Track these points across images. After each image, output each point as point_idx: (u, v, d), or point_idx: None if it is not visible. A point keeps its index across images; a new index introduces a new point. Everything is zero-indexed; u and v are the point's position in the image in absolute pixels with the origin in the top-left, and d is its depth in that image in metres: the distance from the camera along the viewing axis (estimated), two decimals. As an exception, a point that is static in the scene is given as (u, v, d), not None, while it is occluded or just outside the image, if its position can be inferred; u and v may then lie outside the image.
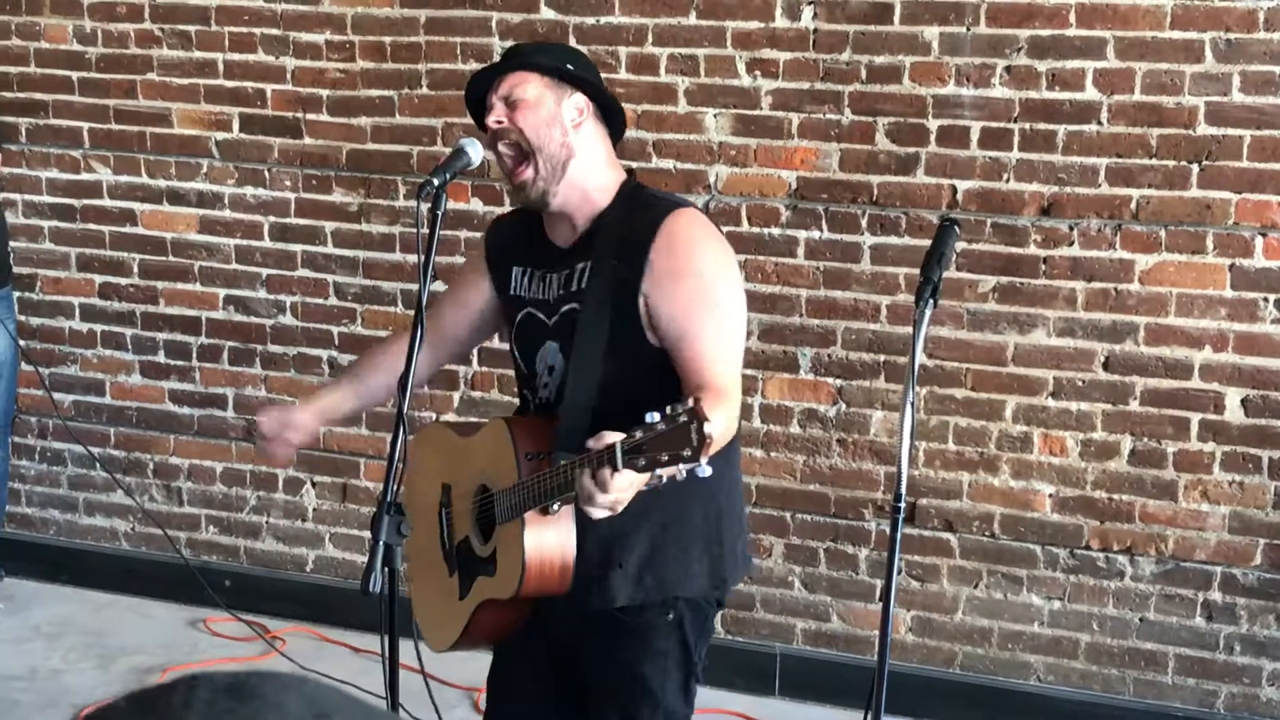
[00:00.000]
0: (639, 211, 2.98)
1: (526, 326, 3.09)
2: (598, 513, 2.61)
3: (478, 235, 5.13)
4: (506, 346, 3.22)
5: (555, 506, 2.80)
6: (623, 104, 4.86)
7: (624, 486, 2.53)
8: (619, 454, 2.48)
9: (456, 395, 5.31)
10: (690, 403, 2.42)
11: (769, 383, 4.96)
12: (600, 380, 2.88)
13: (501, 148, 2.99)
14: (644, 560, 3.00)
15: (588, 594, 2.97)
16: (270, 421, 3.24)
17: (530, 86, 2.98)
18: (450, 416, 5.25)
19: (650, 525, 2.98)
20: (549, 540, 2.89)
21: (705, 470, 2.45)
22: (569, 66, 3.05)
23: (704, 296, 2.90)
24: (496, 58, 4.98)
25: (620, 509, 2.61)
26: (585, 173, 3.00)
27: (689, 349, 2.84)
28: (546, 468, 2.78)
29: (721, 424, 2.66)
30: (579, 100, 3.02)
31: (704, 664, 3.14)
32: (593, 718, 3.12)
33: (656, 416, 2.44)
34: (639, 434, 2.45)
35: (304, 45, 5.31)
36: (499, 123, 2.97)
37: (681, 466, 2.43)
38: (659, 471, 2.46)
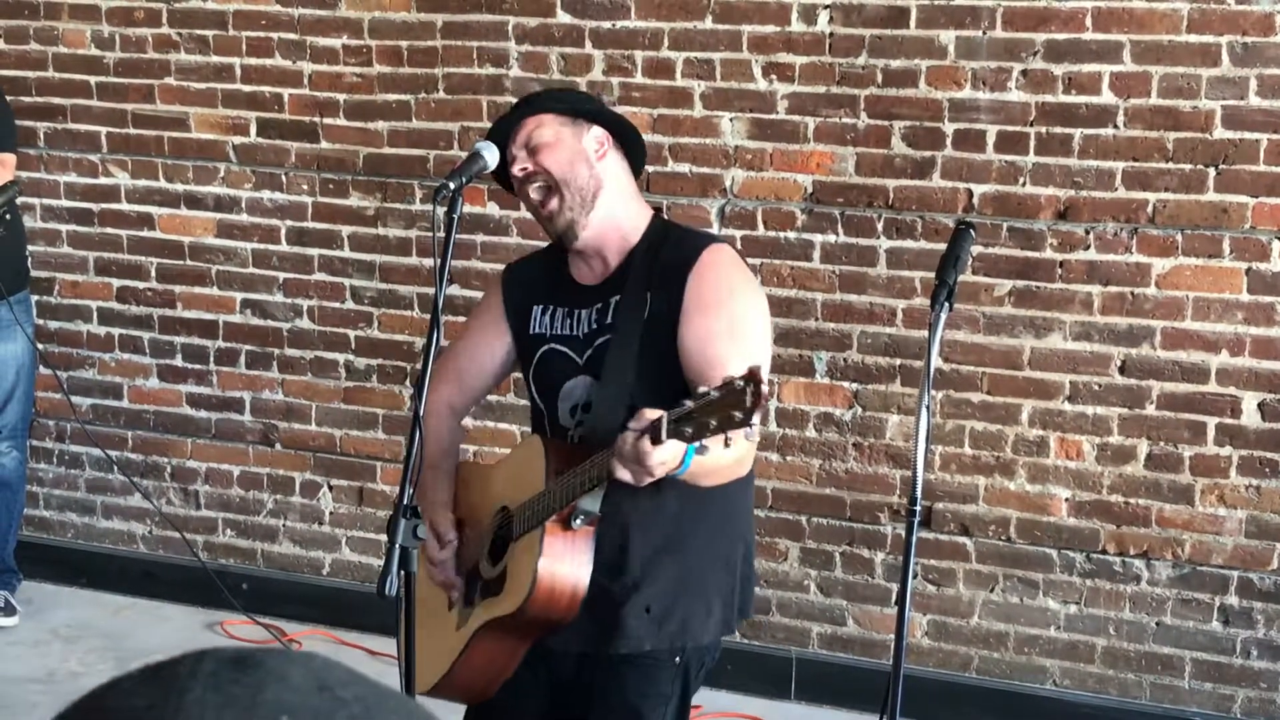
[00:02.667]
0: (673, 244, 3.00)
1: (548, 363, 3.07)
2: (626, 475, 2.58)
3: (494, 239, 5.16)
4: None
5: (577, 521, 2.78)
6: (639, 108, 4.92)
7: (663, 459, 2.53)
8: (664, 426, 2.48)
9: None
10: (746, 369, 2.41)
11: (785, 386, 4.96)
12: (627, 403, 2.84)
13: (532, 193, 3.00)
14: (667, 607, 2.97)
15: (606, 636, 2.95)
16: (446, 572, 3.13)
17: (546, 129, 2.99)
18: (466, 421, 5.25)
19: (671, 567, 2.97)
20: (564, 558, 2.84)
21: (755, 435, 2.46)
22: (585, 106, 3.09)
23: (733, 330, 2.91)
24: (513, 63, 5.03)
25: (648, 480, 2.59)
26: (614, 205, 3.01)
27: (713, 381, 2.83)
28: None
29: (742, 448, 2.67)
30: (598, 133, 3.03)
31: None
32: None
33: (706, 388, 2.44)
34: (689, 403, 2.45)
35: (321, 50, 5.32)
36: (524, 170, 2.98)
37: (730, 432, 2.42)
38: (704, 441, 2.46)
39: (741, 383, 2.39)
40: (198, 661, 0.74)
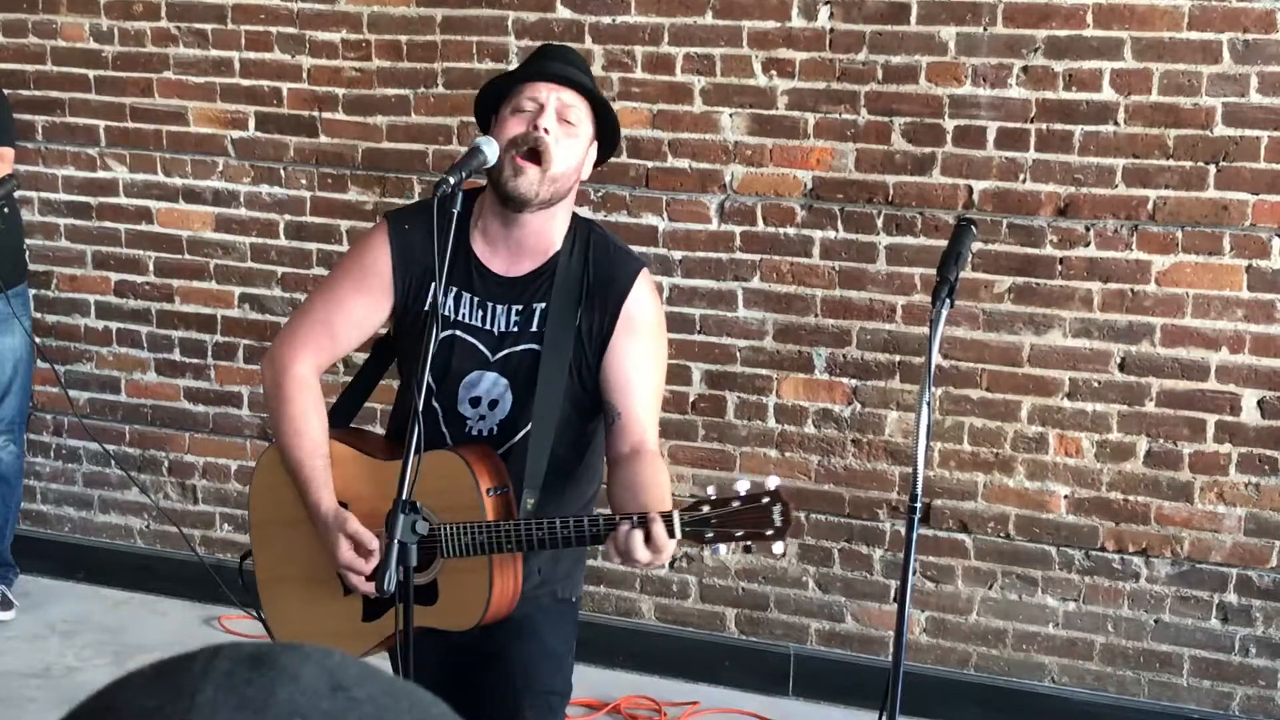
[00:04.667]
0: (605, 261, 3.03)
1: (450, 349, 3.03)
2: (645, 557, 2.68)
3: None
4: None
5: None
6: (638, 103, 4.91)
7: (669, 551, 2.67)
8: (677, 523, 2.59)
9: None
10: (772, 485, 2.49)
11: (784, 383, 4.96)
12: (558, 423, 2.96)
13: (540, 131, 2.92)
14: (552, 568, 3.14)
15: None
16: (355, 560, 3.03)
17: (584, 123, 3.00)
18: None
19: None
20: (508, 575, 2.95)
21: (780, 549, 2.62)
22: (611, 108, 3.11)
23: (656, 365, 3.07)
24: (513, 58, 5.02)
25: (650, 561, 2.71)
26: (564, 211, 3.04)
27: (635, 405, 2.97)
28: (509, 503, 2.90)
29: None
30: (593, 153, 3.07)
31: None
32: (495, 686, 3.12)
33: (732, 495, 2.53)
34: (705, 509, 2.52)
35: (320, 44, 5.31)
36: (546, 130, 2.93)
37: (756, 545, 2.53)
38: (720, 547, 2.55)
39: (768, 500, 2.45)
40: (211, 659, 0.73)
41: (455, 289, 3.03)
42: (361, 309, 3.10)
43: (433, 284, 2.93)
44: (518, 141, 2.92)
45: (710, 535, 2.55)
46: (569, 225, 3.07)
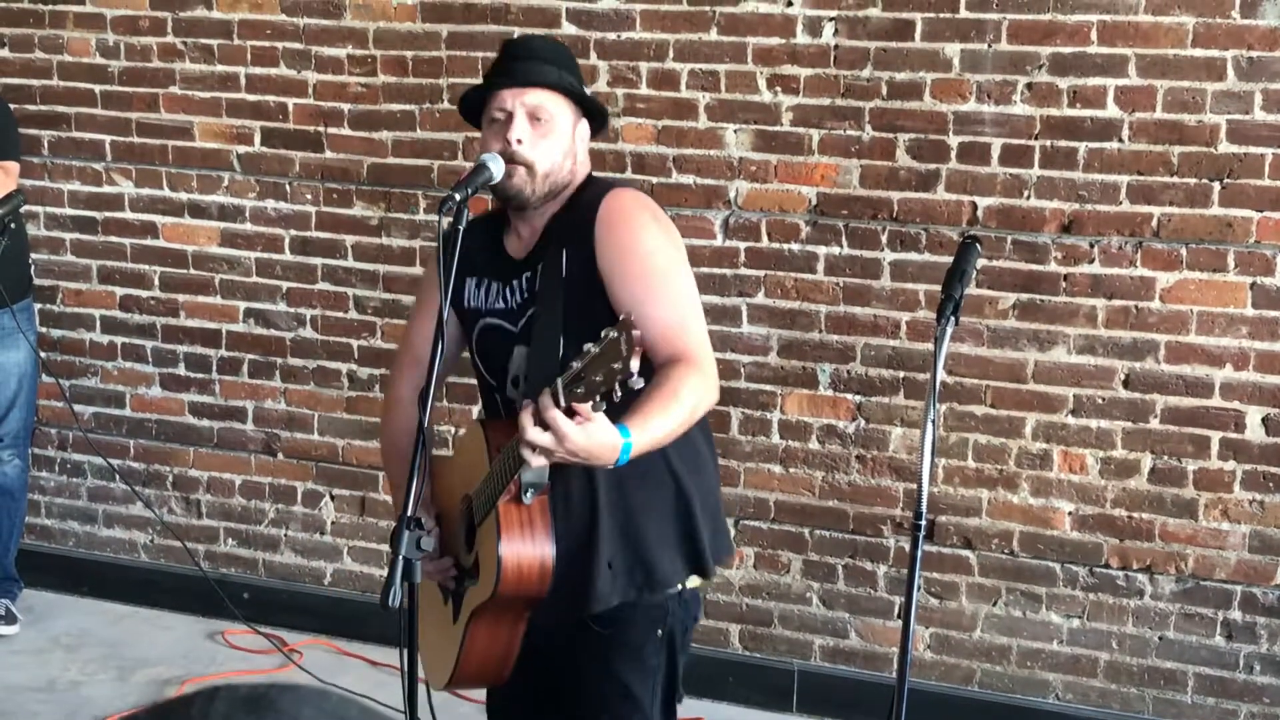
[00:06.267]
0: (577, 199, 3.01)
1: (488, 337, 3.09)
2: (536, 460, 2.58)
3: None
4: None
5: (528, 495, 2.79)
6: (643, 119, 4.92)
7: (568, 432, 2.50)
8: (560, 390, 2.47)
9: (475, 409, 5.31)
10: (621, 318, 2.39)
11: (788, 398, 4.96)
12: (560, 362, 2.81)
13: (515, 144, 2.94)
14: (627, 559, 2.97)
15: (578, 600, 2.94)
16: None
17: (556, 110, 2.99)
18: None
19: (620, 518, 2.96)
20: (523, 535, 2.84)
21: (638, 382, 2.41)
22: (587, 91, 3.08)
23: (652, 268, 2.91)
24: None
25: (561, 451, 2.56)
26: (567, 190, 3.04)
27: (652, 325, 2.76)
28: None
29: (696, 392, 2.74)
30: (583, 131, 3.06)
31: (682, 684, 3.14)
32: None
33: (588, 345, 2.42)
34: (575, 364, 2.44)
35: (326, 59, 5.33)
36: (519, 141, 2.95)
37: (616, 382, 2.39)
38: (597, 397, 2.44)
39: (615, 332, 2.36)
40: (209, 702, 0.72)
41: (486, 279, 3.09)
42: (430, 323, 3.12)
43: (468, 279, 3.09)
44: (500, 155, 2.96)
45: (581, 392, 2.39)
46: (575, 189, 3.06)
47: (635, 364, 2.37)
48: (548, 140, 2.97)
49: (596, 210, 2.94)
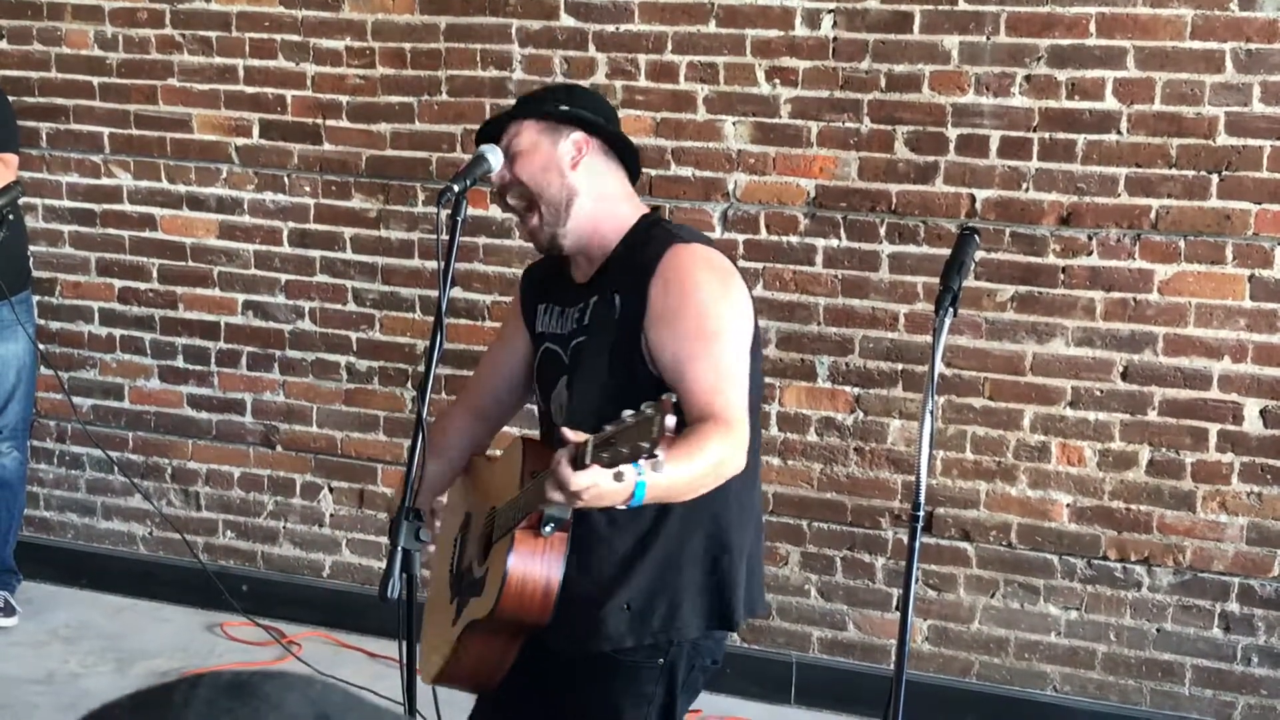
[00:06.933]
0: (643, 246, 2.96)
1: (544, 363, 3.10)
2: (558, 497, 2.56)
3: (497, 242, 5.17)
4: None
5: (547, 529, 2.77)
6: (642, 111, 4.91)
7: (586, 483, 2.49)
8: (588, 451, 2.45)
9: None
10: (662, 398, 2.38)
11: (786, 391, 4.96)
12: (598, 406, 2.79)
13: (511, 201, 3.01)
14: (647, 603, 2.94)
15: (587, 635, 2.93)
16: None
17: (524, 135, 2.98)
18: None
19: (648, 564, 2.94)
20: (534, 560, 2.83)
21: (664, 466, 2.40)
22: (561, 107, 3.03)
23: (700, 329, 2.85)
24: (516, 66, 5.04)
25: (580, 504, 2.57)
26: (592, 210, 2.98)
27: (690, 385, 2.78)
28: None
29: (719, 450, 2.69)
30: (576, 138, 2.99)
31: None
32: None
33: (629, 412, 2.41)
34: (609, 428, 2.43)
35: (324, 51, 5.32)
36: (501, 179, 2.98)
37: (643, 461, 2.38)
38: (620, 467, 2.43)
39: (652, 411, 2.35)
40: (192, 688, 0.71)
41: (551, 305, 3.11)
42: (503, 353, 3.27)
43: (539, 305, 3.13)
44: (505, 205, 3.07)
45: (607, 457, 2.40)
46: (634, 223, 3.03)
47: (663, 451, 2.37)
48: (518, 165, 2.98)
49: (656, 265, 2.89)
